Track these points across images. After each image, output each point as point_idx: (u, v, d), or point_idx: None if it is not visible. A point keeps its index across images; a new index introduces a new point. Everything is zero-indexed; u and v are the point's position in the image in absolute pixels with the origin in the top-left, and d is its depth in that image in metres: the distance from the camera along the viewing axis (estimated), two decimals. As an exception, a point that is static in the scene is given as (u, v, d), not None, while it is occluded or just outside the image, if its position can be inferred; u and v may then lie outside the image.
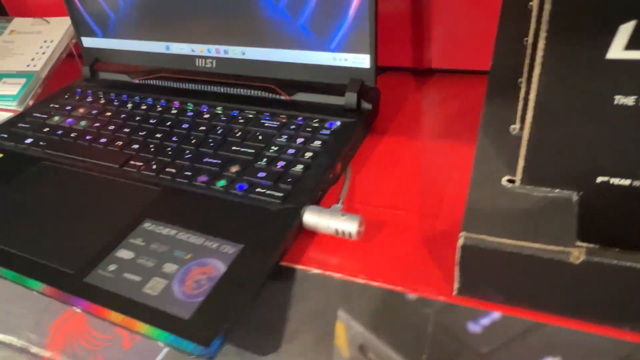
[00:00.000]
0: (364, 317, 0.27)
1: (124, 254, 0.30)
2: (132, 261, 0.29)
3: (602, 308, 0.23)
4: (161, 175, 0.37)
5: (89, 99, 0.51)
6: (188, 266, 0.28)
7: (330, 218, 0.30)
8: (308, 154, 0.37)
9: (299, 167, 0.36)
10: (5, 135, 0.46)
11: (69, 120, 0.47)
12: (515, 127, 0.26)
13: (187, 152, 0.39)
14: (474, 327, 0.26)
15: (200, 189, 0.35)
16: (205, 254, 0.29)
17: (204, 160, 0.38)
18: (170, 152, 0.40)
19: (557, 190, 0.24)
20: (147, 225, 0.32)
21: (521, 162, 0.23)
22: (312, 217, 0.31)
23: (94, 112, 0.48)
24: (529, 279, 0.23)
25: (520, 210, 0.24)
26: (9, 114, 0.54)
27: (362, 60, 0.41)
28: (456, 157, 0.39)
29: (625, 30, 0.19)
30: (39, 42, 0.59)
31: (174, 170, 0.37)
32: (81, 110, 0.49)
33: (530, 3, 0.32)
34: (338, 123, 0.40)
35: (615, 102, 0.20)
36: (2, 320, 0.34)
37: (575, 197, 0.23)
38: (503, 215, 0.24)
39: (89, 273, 0.29)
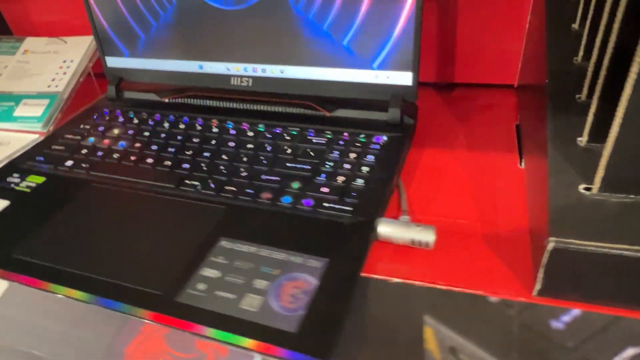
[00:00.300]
0: (450, 321, 0.29)
1: (210, 272, 0.30)
2: (220, 279, 0.30)
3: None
4: (222, 194, 0.38)
5: (121, 119, 0.51)
6: (279, 281, 0.29)
7: (405, 229, 0.32)
8: (365, 168, 0.38)
9: (360, 181, 0.37)
10: (42, 158, 0.46)
11: (106, 141, 0.47)
12: (582, 140, 0.29)
13: (242, 169, 0.40)
14: (557, 324, 0.28)
15: (266, 205, 0.36)
16: (293, 269, 0.30)
17: (262, 177, 0.39)
18: (224, 171, 0.40)
19: (632, 196, 0.26)
20: (224, 243, 0.33)
21: (600, 172, 0.26)
22: (387, 229, 0.32)
23: (130, 132, 0.48)
24: (613, 278, 0.26)
25: (602, 215, 0.26)
26: (35, 136, 0.53)
27: (404, 78, 0.43)
28: (498, 166, 0.42)
29: None
30: (57, 62, 0.59)
31: (234, 189, 0.38)
32: (116, 130, 0.49)
33: (573, 25, 0.35)
34: (385, 137, 0.42)
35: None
36: (73, 345, 0.34)
37: (649, 201, 0.26)
38: (586, 220, 0.26)
39: (178, 293, 0.29)
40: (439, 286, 0.30)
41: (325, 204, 0.35)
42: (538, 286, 0.28)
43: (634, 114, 0.23)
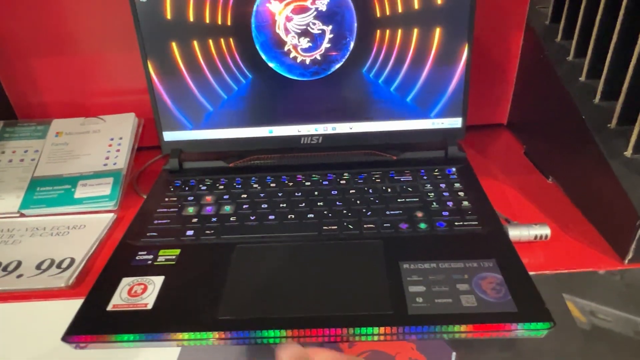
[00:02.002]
0: (582, 293, 0.40)
1: (416, 288, 0.38)
2: (428, 291, 0.37)
3: None
4: (365, 232, 0.45)
5: (203, 187, 0.54)
6: (474, 282, 0.38)
7: (529, 228, 0.43)
8: (461, 193, 0.49)
9: (465, 203, 0.48)
10: (155, 234, 0.47)
11: (209, 208, 0.50)
12: (628, 153, 0.43)
13: (364, 210, 0.48)
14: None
15: (409, 233, 0.44)
16: (476, 271, 0.39)
17: (387, 213, 0.47)
18: (349, 214, 0.47)
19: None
20: (407, 266, 0.40)
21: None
22: (516, 232, 0.43)
23: (226, 197, 0.52)
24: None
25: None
26: (110, 215, 0.53)
27: (455, 122, 0.55)
28: (531, 182, 0.56)
29: None
30: (104, 140, 0.59)
31: (372, 226, 0.45)
32: (208, 197, 0.52)
33: (580, 78, 0.51)
34: (454, 169, 0.54)
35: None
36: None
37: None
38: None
39: (406, 309, 0.36)
40: (558, 271, 0.42)
41: (457, 223, 0.45)
42: (630, 255, 0.41)
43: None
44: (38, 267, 0.46)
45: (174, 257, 0.44)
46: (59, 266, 0.46)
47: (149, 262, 0.43)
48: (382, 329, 0.35)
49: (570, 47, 0.53)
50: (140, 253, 0.45)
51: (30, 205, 0.53)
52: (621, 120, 0.45)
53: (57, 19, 0.60)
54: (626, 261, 0.42)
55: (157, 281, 0.41)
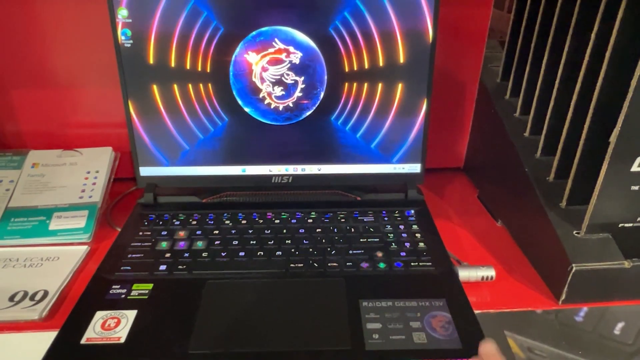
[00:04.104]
0: (521, 330, 0.45)
1: (373, 325, 0.41)
2: (384, 328, 0.41)
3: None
4: (328, 270, 0.48)
5: (176, 222, 0.56)
6: (425, 320, 0.42)
7: (476, 270, 0.48)
8: (417, 235, 0.54)
9: (421, 244, 0.52)
10: (129, 268, 0.49)
11: (181, 243, 0.53)
12: (563, 204, 0.49)
13: (329, 249, 0.51)
14: (578, 318, 0.46)
15: (369, 272, 0.48)
16: (428, 310, 0.43)
17: (350, 252, 0.51)
18: (315, 252, 0.51)
19: (604, 234, 0.47)
20: (366, 304, 0.44)
21: (586, 222, 0.46)
22: (465, 273, 0.48)
23: (199, 232, 0.54)
24: (606, 283, 0.45)
25: (591, 247, 0.46)
26: (84, 247, 0.55)
27: (415, 167, 0.60)
28: (482, 224, 0.61)
29: None
30: (80, 173, 0.61)
31: (336, 264, 0.49)
32: (182, 232, 0.54)
33: (524, 134, 0.57)
34: (412, 211, 0.58)
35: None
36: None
37: (610, 236, 0.47)
38: (584, 251, 0.45)
39: (363, 344, 0.39)
40: (500, 310, 0.47)
41: (413, 264, 0.49)
42: (563, 297, 0.46)
43: (604, 192, 0.44)
44: (11, 299, 0.47)
45: (146, 291, 0.46)
46: (32, 298, 0.47)
47: (123, 296, 0.45)
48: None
49: (517, 104, 0.59)
50: (114, 287, 0.47)
51: (3, 236, 0.54)
52: (558, 174, 0.51)
53: (38, 52, 0.62)
54: (560, 302, 0.47)
55: (130, 315, 0.43)
